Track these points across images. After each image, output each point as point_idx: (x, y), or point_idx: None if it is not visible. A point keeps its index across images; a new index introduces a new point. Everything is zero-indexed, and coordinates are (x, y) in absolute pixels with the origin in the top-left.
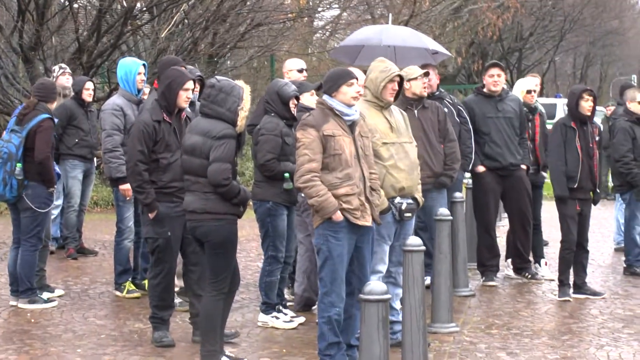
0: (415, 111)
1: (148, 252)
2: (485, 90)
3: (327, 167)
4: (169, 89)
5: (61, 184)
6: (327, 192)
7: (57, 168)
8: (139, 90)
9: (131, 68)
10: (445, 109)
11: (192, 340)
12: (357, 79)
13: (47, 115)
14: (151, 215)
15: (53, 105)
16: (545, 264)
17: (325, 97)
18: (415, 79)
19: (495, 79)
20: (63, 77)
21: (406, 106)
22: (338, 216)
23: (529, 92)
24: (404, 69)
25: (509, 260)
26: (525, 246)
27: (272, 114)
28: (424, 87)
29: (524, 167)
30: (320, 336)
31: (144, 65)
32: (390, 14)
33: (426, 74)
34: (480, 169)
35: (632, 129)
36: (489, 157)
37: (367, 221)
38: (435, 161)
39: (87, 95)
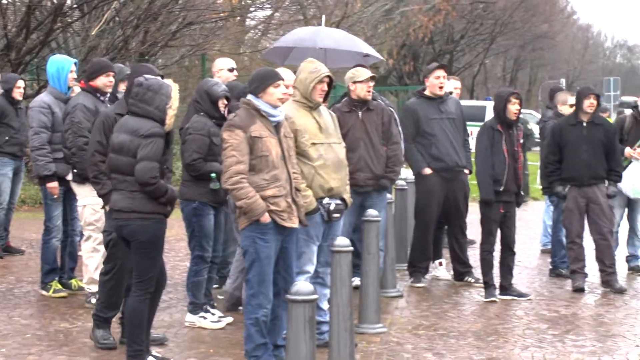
0: (360, 113)
1: (104, 246)
2: (427, 92)
3: (254, 169)
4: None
5: None
6: (256, 194)
7: None
8: (69, 88)
9: (64, 65)
10: None
11: (119, 341)
12: (283, 80)
13: None
14: (107, 208)
15: None
16: (440, 264)
17: (250, 97)
18: (361, 81)
19: (441, 81)
20: None
21: (351, 107)
22: (266, 218)
23: (450, 93)
24: (351, 71)
25: (437, 262)
26: (465, 251)
27: (201, 113)
28: (368, 91)
29: (466, 171)
30: (247, 337)
31: (75, 63)
32: (324, 16)
33: (372, 78)
34: (427, 171)
35: None
36: (436, 159)
37: (294, 223)
38: (376, 163)
39: (18, 93)
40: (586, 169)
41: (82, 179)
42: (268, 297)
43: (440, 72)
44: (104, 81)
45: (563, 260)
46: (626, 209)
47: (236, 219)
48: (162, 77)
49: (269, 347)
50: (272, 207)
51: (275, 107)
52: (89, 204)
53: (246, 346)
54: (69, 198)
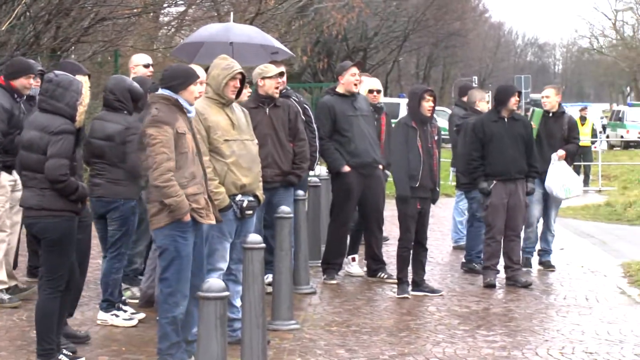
0: (267, 109)
1: None
2: (341, 90)
3: (176, 167)
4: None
5: None
6: (182, 193)
7: None
8: None
9: None
10: None
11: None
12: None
13: None
14: None
15: None
16: (353, 260)
17: (167, 92)
18: (270, 77)
19: (357, 78)
20: None
21: (258, 103)
22: (188, 216)
23: (370, 91)
24: (260, 67)
25: (350, 258)
26: (380, 247)
27: (125, 112)
28: (276, 88)
29: (380, 166)
30: (163, 336)
31: None
32: (232, 13)
33: (281, 74)
34: (346, 168)
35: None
36: (353, 155)
37: (212, 219)
38: (284, 159)
39: None
40: (512, 164)
41: None
42: (185, 295)
43: (355, 70)
44: (23, 83)
45: (479, 255)
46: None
47: (151, 217)
48: (89, 75)
49: (182, 344)
50: (194, 205)
51: (190, 104)
52: None
53: (160, 344)
54: None
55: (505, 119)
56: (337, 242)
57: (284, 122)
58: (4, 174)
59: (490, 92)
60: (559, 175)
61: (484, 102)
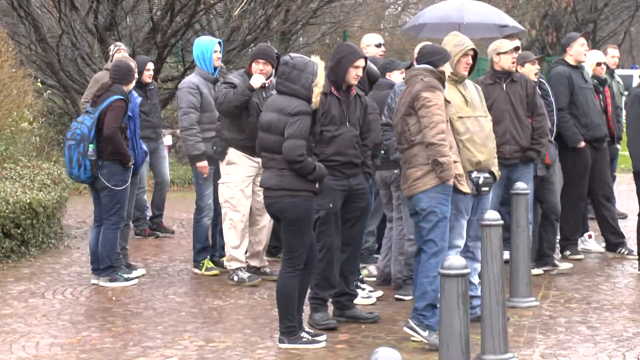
0: (504, 84)
1: None
2: (571, 61)
3: None
4: (338, 65)
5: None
6: (452, 155)
7: (144, 147)
8: (215, 69)
9: (207, 46)
10: None
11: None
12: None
13: (119, 97)
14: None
15: (129, 87)
16: (590, 237)
17: (429, 67)
18: (505, 52)
19: (586, 48)
20: (119, 55)
21: (494, 79)
22: (452, 180)
23: (598, 64)
24: (495, 42)
25: (586, 235)
26: (616, 220)
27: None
28: (513, 62)
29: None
30: (421, 296)
31: (219, 43)
32: None
33: (517, 49)
34: (582, 143)
35: None
36: (589, 128)
37: (467, 189)
38: (522, 135)
39: (147, 76)
40: None
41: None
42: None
43: (583, 40)
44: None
45: None
46: None
47: (414, 181)
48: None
49: (437, 312)
50: (455, 171)
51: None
52: (225, 182)
53: (417, 303)
54: (219, 177)
55: None
56: (576, 217)
57: (521, 98)
58: (244, 156)
59: None
60: None
61: None
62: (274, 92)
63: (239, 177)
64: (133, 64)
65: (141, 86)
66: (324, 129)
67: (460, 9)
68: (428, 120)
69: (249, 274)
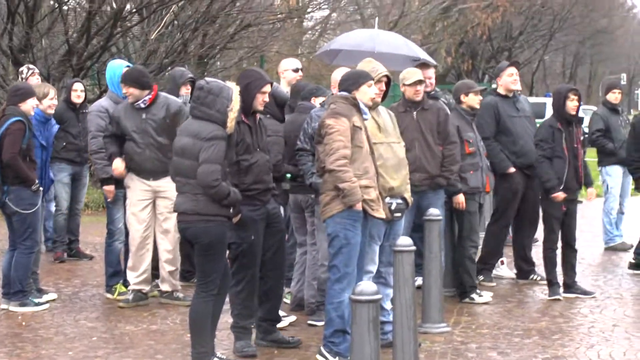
0: (414, 113)
1: (229, 258)
2: (502, 91)
3: (350, 158)
4: (246, 90)
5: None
6: (356, 180)
7: (51, 173)
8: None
9: (115, 71)
10: None
11: (255, 344)
12: (373, 80)
13: (16, 119)
14: (235, 219)
15: (26, 104)
16: (502, 263)
17: (344, 93)
18: (410, 85)
19: (514, 78)
20: (33, 78)
21: (405, 108)
22: (359, 205)
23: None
24: (403, 72)
25: (499, 261)
26: (530, 249)
27: (268, 116)
28: (416, 93)
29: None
30: (328, 322)
31: (129, 67)
32: (377, 18)
33: (420, 82)
34: (512, 170)
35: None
36: (519, 155)
37: (382, 214)
38: (432, 163)
39: (75, 97)
40: None
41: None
42: (351, 283)
43: (512, 70)
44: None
45: None
46: None
47: (324, 207)
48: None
49: (347, 337)
50: (365, 197)
51: (366, 105)
52: (126, 205)
53: (325, 331)
54: None
55: None
56: (497, 243)
57: (432, 126)
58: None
59: None
60: None
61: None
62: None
63: (131, 200)
64: (45, 87)
65: (72, 108)
66: (241, 158)
67: (372, 38)
68: (329, 147)
69: (133, 295)
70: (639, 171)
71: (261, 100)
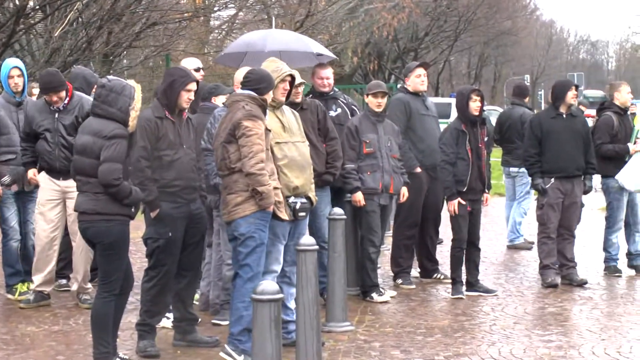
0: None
1: (146, 255)
2: (411, 89)
3: None
4: (170, 88)
5: None
6: (271, 183)
7: None
8: (21, 93)
9: (3, 70)
10: (339, 109)
11: (172, 344)
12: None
13: None
14: (153, 214)
15: None
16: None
17: (253, 93)
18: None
19: (422, 79)
20: None
21: None
22: (272, 207)
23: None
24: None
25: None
26: (435, 248)
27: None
28: (282, 94)
29: (418, 169)
30: (236, 320)
31: (16, 67)
32: (274, 18)
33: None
34: (418, 169)
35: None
36: (426, 155)
37: (286, 216)
38: (317, 161)
39: None
40: (570, 161)
41: None
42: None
43: (421, 71)
44: None
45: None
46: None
47: (234, 207)
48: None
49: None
50: (275, 198)
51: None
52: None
53: (232, 328)
54: (22, 200)
55: (564, 115)
56: (408, 244)
57: (313, 124)
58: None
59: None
60: (636, 168)
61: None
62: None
63: (40, 200)
64: None
65: None
66: (162, 153)
67: (264, 37)
68: (248, 149)
69: (35, 295)
70: (534, 169)
71: (186, 98)
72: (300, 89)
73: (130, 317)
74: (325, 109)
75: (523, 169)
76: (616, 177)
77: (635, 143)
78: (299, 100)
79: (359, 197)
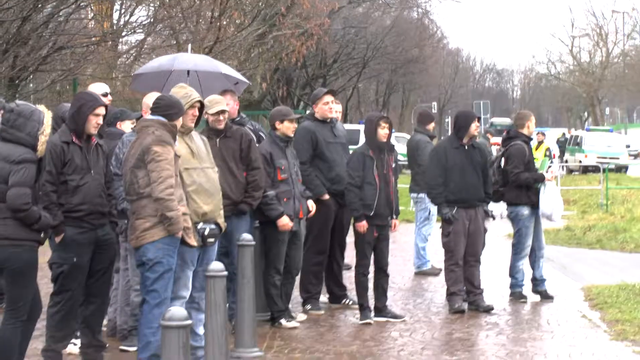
0: (217, 140)
1: (51, 280)
2: (319, 117)
3: None
4: (78, 113)
5: None
6: (179, 209)
7: None
8: None
9: None
10: None
11: None
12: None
13: None
14: (57, 239)
15: None
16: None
17: (162, 119)
18: (212, 114)
19: (330, 106)
20: None
21: (208, 134)
22: (180, 233)
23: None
24: (206, 100)
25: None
26: (341, 274)
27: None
28: (218, 122)
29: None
30: (145, 346)
31: None
32: (190, 44)
33: (222, 112)
34: (326, 196)
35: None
36: (334, 182)
37: (194, 242)
38: (234, 189)
39: None
40: (473, 191)
41: None
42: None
43: (328, 98)
44: None
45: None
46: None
47: (142, 232)
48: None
49: None
50: (184, 224)
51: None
52: None
53: (141, 354)
54: None
55: (466, 147)
56: (317, 270)
57: (234, 152)
58: None
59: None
60: (551, 197)
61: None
62: None
63: None
64: None
65: None
66: (69, 178)
67: (173, 58)
68: (157, 175)
69: None
70: (440, 199)
71: (94, 122)
72: (223, 117)
73: (36, 344)
74: (253, 137)
75: (422, 194)
76: (541, 211)
77: (547, 172)
78: (221, 127)
79: (285, 221)
